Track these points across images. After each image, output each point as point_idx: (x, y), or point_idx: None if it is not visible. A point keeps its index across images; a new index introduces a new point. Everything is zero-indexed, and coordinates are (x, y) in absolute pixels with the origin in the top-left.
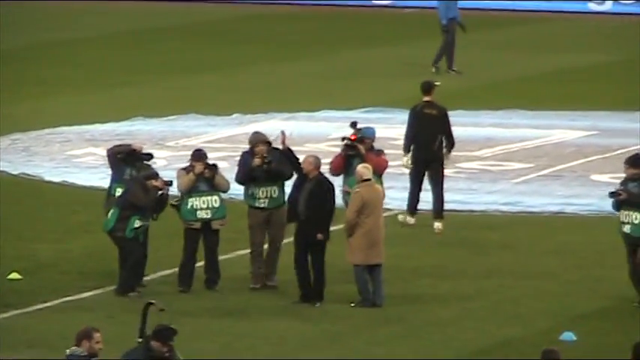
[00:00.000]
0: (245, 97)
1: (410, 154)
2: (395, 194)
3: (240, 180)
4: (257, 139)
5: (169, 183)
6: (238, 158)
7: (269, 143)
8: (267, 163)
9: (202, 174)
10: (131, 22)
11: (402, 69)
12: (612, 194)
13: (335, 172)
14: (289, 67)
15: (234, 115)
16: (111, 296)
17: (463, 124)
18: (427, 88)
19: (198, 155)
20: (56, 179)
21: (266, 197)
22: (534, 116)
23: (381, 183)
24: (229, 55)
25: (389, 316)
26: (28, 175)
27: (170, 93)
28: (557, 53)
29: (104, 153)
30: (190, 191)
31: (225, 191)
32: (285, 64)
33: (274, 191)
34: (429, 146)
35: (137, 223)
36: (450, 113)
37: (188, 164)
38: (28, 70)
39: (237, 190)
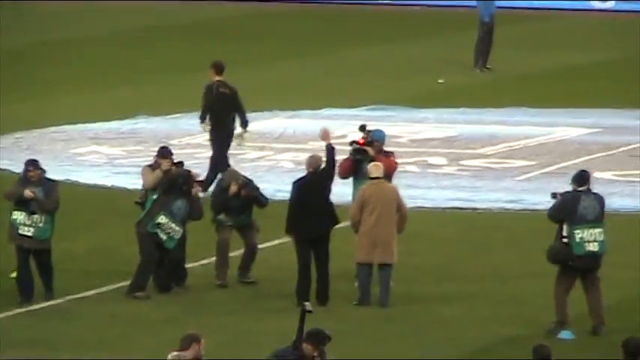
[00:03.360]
0: (248, 95)
1: (206, 122)
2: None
3: (216, 209)
4: (232, 177)
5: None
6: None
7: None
8: (243, 187)
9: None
10: (134, 20)
11: (406, 67)
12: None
13: (343, 175)
14: (292, 65)
15: None
16: (114, 295)
17: (467, 122)
18: (220, 69)
19: (164, 152)
20: (60, 177)
21: (234, 220)
22: (537, 114)
23: None
24: (232, 53)
25: (392, 314)
26: None
27: (173, 91)
28: (561, 51)
29: (108, 151)
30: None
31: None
32: (288, 61)
33: (242, 218)
34: (226, 122)
35: (162, 219)
36: (453, 111)
37: (154, 161)
38: (31, 69)
39: None
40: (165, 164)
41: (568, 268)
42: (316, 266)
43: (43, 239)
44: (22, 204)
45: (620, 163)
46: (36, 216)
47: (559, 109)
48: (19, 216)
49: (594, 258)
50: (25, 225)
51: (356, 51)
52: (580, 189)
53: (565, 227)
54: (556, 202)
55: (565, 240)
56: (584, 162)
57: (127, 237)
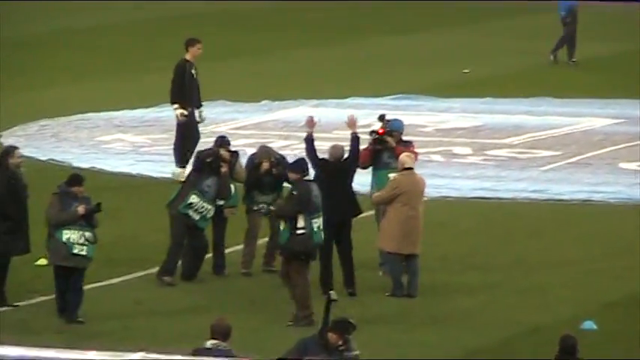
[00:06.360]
0: (274, 83)
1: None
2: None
3: (248, 186)
4: (265, 154)
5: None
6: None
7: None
8: (275, 165)
9: (224, 159)
10: (159, 8)
11: (431, 56)
12: None
13: (362, 164)
14: (318, 54)
15: (263, 102)
16: (139, 283)
17: (492, 112)
18: (186, 45)
19: (222, 141)
20: (84, 165)
21: (265, 203)
22: (563, 104)
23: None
24: (258, 41)
25: (417, 304)
26: (57, 161)
27: (198, 79)
28: (587, 41)
29: (132, 139)
30: None
31: (242, 182)
32: (314, 50)
33: (274, 197)
34: None
35: (193, 199)
36: (478, 100)
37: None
38: (57, 56)
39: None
40: (223, 153)
41: (302, 258)
42: (339, 254)
43: (91, 257)
44: (71, 222)
45: None
46: (88, 233)
47: (584, 99)
48: (71, 235)
49: None
50: (78, 244)
51: (381, 40)
52: (307, 178)
53: (301, 218)
54: (293, 196)
55: (302, 231)
56: (609, 152)
57: (151, 225)
